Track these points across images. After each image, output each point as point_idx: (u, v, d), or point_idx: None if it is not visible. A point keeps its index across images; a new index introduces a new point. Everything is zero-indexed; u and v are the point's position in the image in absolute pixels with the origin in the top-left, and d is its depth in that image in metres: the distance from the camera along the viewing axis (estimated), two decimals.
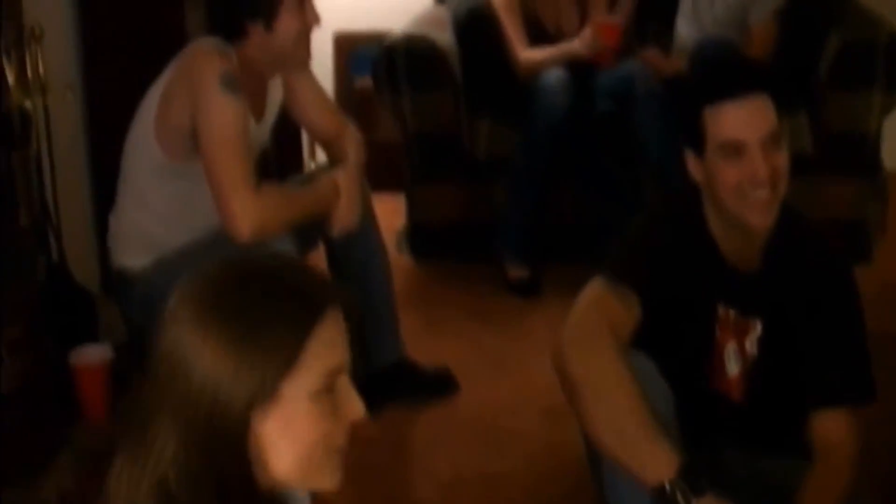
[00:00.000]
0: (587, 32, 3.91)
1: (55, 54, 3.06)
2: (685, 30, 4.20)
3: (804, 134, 3.88)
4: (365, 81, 4.33)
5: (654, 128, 3.74)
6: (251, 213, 2.64)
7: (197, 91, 2.67)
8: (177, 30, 3.29)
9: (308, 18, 2.79)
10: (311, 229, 2.88)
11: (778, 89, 2.17)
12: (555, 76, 3.81)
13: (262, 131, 2.98)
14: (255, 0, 2.71)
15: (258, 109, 2.89)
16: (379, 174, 3.98)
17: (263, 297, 1.30)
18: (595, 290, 2.17)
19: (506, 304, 3.80)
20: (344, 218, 2.89)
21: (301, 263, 1.43)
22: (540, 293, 3.81)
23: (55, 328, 2.83)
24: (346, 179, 2.91)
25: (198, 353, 1.27)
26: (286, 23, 2.74)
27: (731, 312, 2.24)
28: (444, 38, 4.00)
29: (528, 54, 3.99)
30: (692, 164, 2.21)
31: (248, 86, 2.77)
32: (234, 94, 2.66)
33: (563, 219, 3.99)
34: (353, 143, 3.04)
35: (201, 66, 2.69)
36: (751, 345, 2.25)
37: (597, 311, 2.13)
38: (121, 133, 2.86)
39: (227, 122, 2.66)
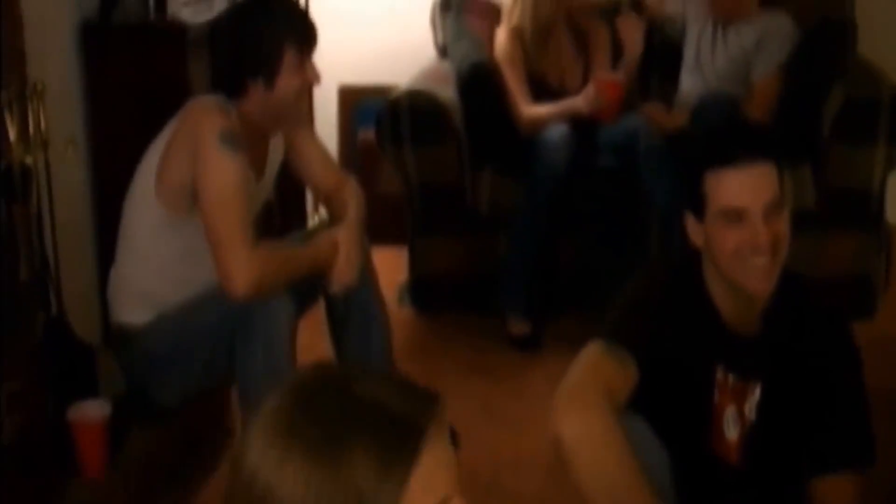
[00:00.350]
0: (590, 89, 3.93)
1: (58, 109, 3.06)
2: (688, 84, 4.22)
3: (808, 188, 3.88)
4: (369, 134, 4.35)
5: (657, 183, 3.74)
6: (246, 270, 2.64)
7: (197, 148, 2.68)
8: (180, 86, 3.29)
9: (308, 76, 2.80)
10: (311, 285, 2.88)
11: (781, 154, 2.18)
12: (557, 131, 3.83)
13: (264, 188, 2.98)
14: (256, 58, 2.73)
15: (259, 166, 2.90)
16: (382, 226, 3.99)
17: (356, 424, 1.14)
18: (592, 353, 2.16)
19: (507, 359, 3.79)
20: (343, 274, 2.88)
21: (391, 377, 1.26)
22: (541, 348, 3.81)
23: (54, 382, 2.82)
24: (346, 236, 2.91)
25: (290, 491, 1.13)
26: (286, 80, 2.75)
27: (731, 377, 2.22)
28: (447, 92, 4.03)
29: (530, 110, 4.01)
30: (692, 227, 2.22)
31: (249, 142, 2.78)
32: (233, 150, 2.67)
33: (565, 273, 4.00)
34: (354, 199, 3.05)
35: (201, 122, 2.70)
36: (750, 409, 2.23)
37: (592, 375, 2.12)
38: (123, 188, 2.87)
39: (225, 179, 2.67)
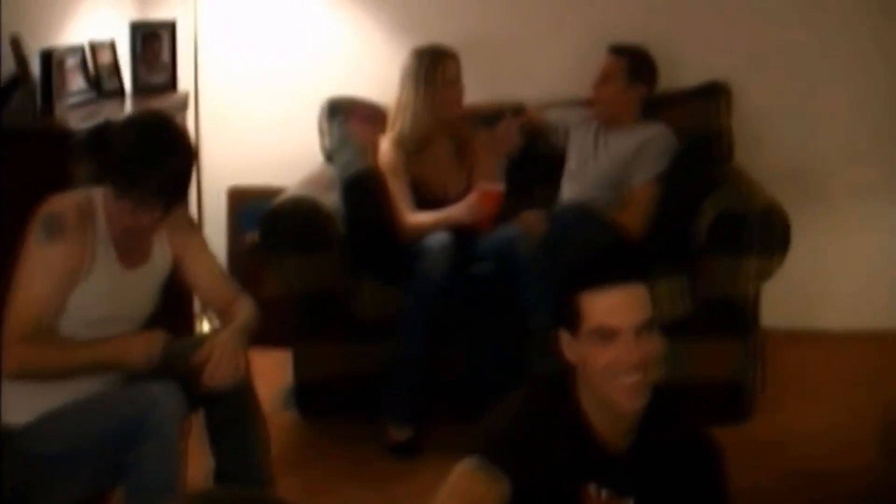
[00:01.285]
0: (472, 199, 4.00)
1: None
2: (569, 191, 4.32)
3: (683, 297, 3.96)
4: (256, 236, 4.36)
5: (535, 291, 3.78)
6: (13, 355, 2.70)
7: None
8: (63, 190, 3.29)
9: (127, 221, 2.82)
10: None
11: (652, 273, 2.25)
12: (437, 240, 3.87)
13: (139, 277, 2.95)
14: (115, 170, 2.77)
15: (135, 255, 2.90)
16: (267, 329, 3.98)
17: None
18: (462, 472, 2.18)
19: (388, 465, 3.79)
20: (211, 377, 2.86)
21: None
22: (421, 454, 3.81)
23: None
24: (224, 338, 2.91)
25: None
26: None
27: (603, 493, 2.25)
28: (330, 198, 4.07)
29: (412, 218, 4.07)
30: (566, 343, 2.26)
31: (124, 234, 2.82)
32: (49, 237, 2.72)
33: (448, 379, 4.01)
34: (244, 310, 3.05)
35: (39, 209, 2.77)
36: None
37: (459, 497, 2.14)
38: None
39: (30, 265, 2.73)
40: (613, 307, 2.17)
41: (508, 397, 2.37)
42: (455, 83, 4.18)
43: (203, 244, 3.13)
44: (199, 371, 2.84)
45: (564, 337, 2.26)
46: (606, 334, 2.17)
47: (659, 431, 2.28)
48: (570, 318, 2.22)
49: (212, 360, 2.85)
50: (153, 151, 2.76)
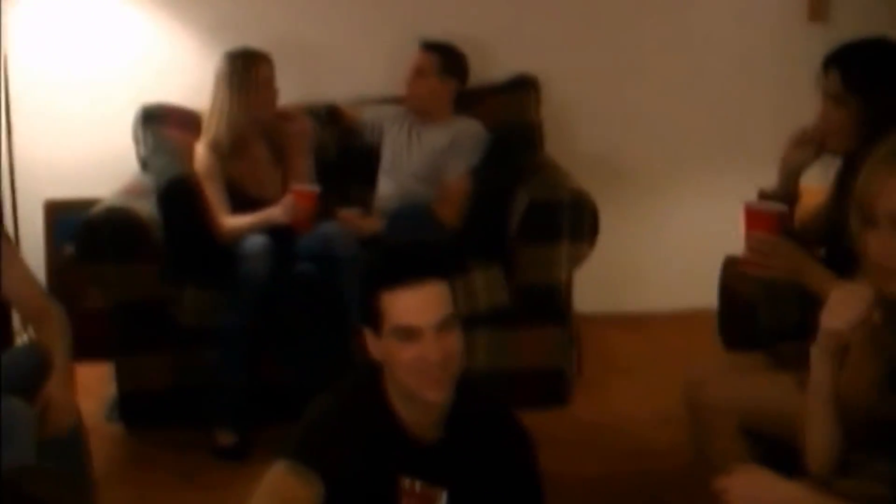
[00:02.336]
0: (288, 199, 4.01)
1: None
2: (385, 187, 4.38)
3: (500, 287, 4.05)
4: (73, 248, 4.31)
5: (355, 288, 3.81)
6: None
7: None
8: None
9: None
10: None
11: (453, 270, 2.31)
12: (256, 242, 3.88)
13: None
14: None
15: None
16: (88, 341, 3.94)
17: None
18: (275, 475, 2.22)
19: (217, 470, 3.78)
20: (51, 426, 2.83)
21: None
22: (249, 457, 3.81)
23: None
24: (55, 385, 2.87)
25: None
26: None
27: (417, 484, 2.31)
28: (146, 207, 4.03)
29: (229, 221, 4.07)
30: (371, 342, 2.31)
31: None
32: None
33: (273, 381, 4.02)
34: (59, 330, 3.02)
35: None
36: None
37: (271, 499, 2.18)
38: None
39: None
40: (413, 306, 2.23)
41: (319, 397, 2.41)
42: (268, 85, 4.20)
43: (14, 251, 3.09)
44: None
45: (370, 336, 2.31)
46: (407, 333, 2.23)
47: (468, 421, 2.35)
48: (373, 318, 2.27)
49: (50, 416, 2.82)
50: None
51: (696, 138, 4.98)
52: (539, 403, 3.97)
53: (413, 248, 2.41)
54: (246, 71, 4.14)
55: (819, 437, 2.15)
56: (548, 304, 4.08)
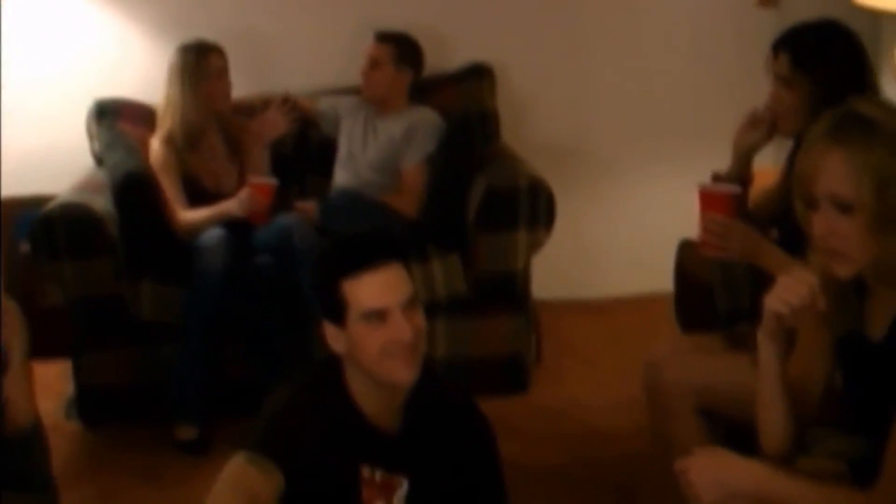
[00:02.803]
0: (244, 192, 4.00)
1: None
2: (341, 177, 4.38)
3: (458, 275, 4.06)
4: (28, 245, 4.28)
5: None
6: None
7: None
8: None
9: None
10: None
11: (407, 252, 2.31)
12: (213, 235, 3.88)
13: None
14: None
15: None
16: (45, 339, 3.91)
17: None
18: (235, 467, 2.21)
19: (178, 465, 3.77)
20: (13, 425, 2.80)
21: None
22: (211, 451, 3.80)
23: None
24: (13, 386, 2.85)
25: None
26: None
27: (378, 472, 2.31)
28: (101, 202, 4.01)
29: (186, 215, 4.06)
30: (331, 334, 2.30)
31: None
32: None
33: (233, 375, 4.01)
34: (15, 328, 2.99)
35: None
36: (399, 502, 2.32)
37: (232, 491, 2.18)
38: None
39: None
40: (377, 289, 2.23)
41: (278, 389, 2.41)
42: (222, 76, 4.19)
43: None
44: None
45: (329, 329, 2.30)
46: (377, 315, 2.22)
47: (429, 410, 2.36)
48: (335, 308, 2.26)
49: (7, 411, 2.80)
50: None
51: (651, 123, 4.99)
52: (499, 391, 3.99)
53: (368, 234, 2.41)
54: (198, 63, 4.14)
55: (771, 417, 2.18)
56: (506, 292, 4.09)
